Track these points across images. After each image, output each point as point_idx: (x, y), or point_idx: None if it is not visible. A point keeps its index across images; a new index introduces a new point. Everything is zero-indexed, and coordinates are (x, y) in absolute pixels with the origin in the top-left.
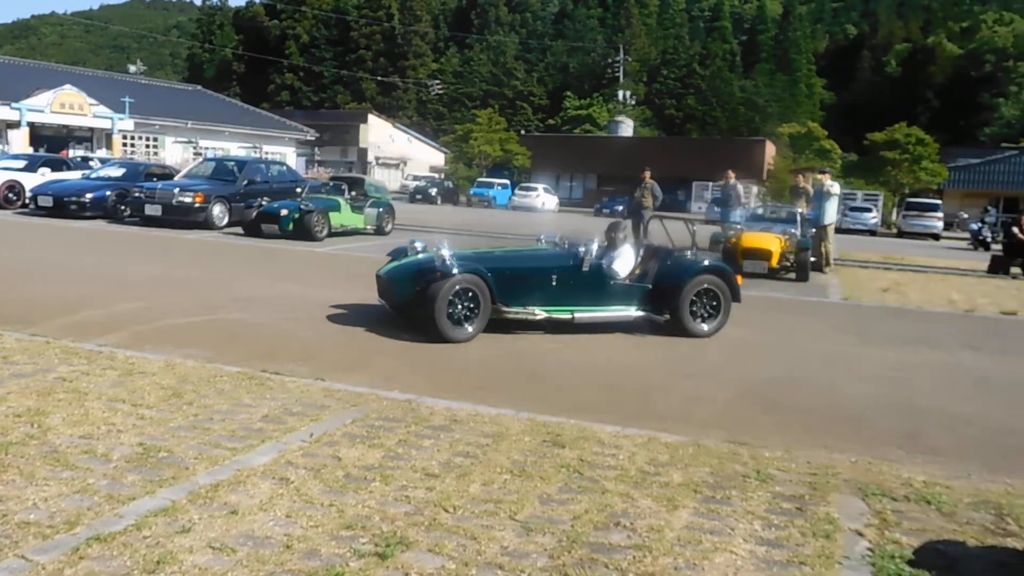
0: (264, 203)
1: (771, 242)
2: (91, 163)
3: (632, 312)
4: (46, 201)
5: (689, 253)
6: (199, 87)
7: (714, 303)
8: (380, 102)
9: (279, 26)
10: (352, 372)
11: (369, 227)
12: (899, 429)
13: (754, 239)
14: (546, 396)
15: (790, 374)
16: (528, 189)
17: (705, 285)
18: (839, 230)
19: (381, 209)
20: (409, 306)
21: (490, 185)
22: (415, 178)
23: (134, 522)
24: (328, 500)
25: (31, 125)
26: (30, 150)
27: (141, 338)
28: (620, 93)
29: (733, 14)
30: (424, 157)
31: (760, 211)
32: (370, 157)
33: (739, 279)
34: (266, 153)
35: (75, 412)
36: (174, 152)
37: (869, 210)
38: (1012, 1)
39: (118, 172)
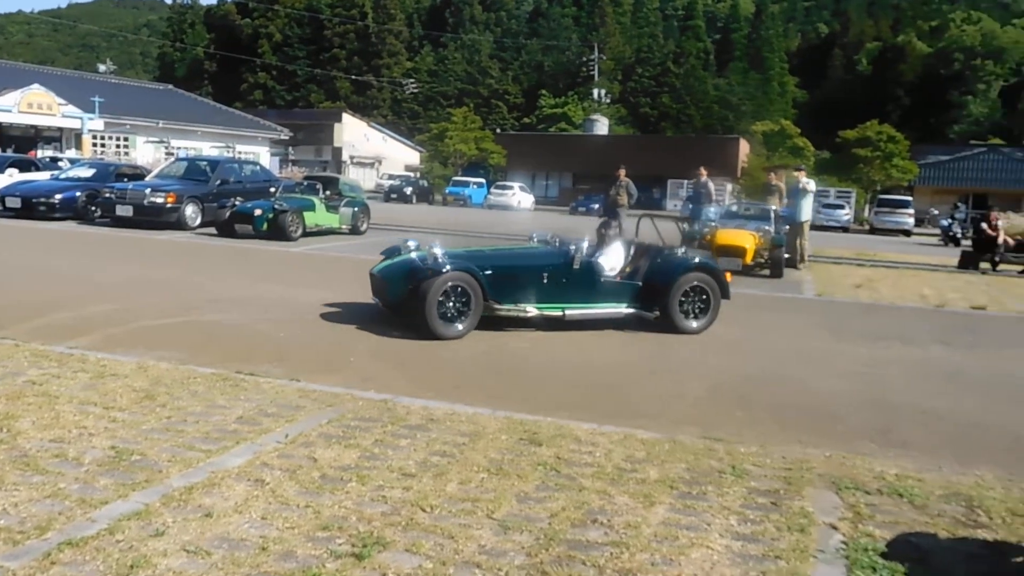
0: (237, 203)
1: (745, 239)
2: (60, 163)
3: (623, 309)
4: (14, 202)
5: (679, 251)
6: (170, 86)
7: (704, 300)
8: (354, 101)
9: (251, 25)
10: (328, 372)
11: (344, 226)
12: (872, 424)
13: (728, 236)
14: (523, 394)
15: (765, 370)
16: (504, 188)
17: (695, 282)
18: (813, 227)
19: (356, 208)
20: (402, 304)
21: (466, 184)
22: (390, 177)
23: (107, 526)
24: (304, 501)
25: None
26: None
27: (113, 340)
28: (595, 91)
29: (706, 13)
30: (399, 156)
31: (734, 208)
32: (345, 156)
33: (728, 276)
34: (239, 153)
35: (45, 416)
36: (145, 152)
37: (842, 207)
38: (980, 0)
39: (88, 172)
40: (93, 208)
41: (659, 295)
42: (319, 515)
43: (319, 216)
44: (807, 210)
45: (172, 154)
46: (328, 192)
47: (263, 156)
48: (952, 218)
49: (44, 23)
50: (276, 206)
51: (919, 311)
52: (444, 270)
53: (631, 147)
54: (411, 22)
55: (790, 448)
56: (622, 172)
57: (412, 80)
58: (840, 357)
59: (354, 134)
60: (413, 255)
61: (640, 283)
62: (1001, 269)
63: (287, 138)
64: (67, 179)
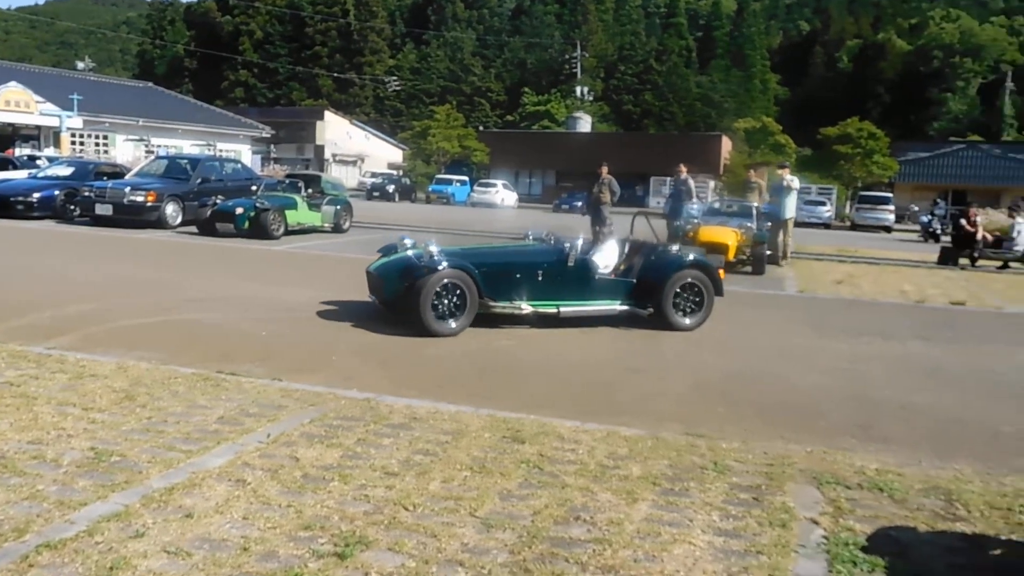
0: (219, 201)
1: (728, 236)
2: (38, 162)
3: (617, 306)
4: None
5: (673, 248)
6: (150, 84)
7: (697, 297)
8: (337, 99)
9: (232, 22)
10: (310, 371)
11: (326, 225)
12: (853, 419)
13: (711, 233)
14: (507, 392)
15: (747, 366)
16: (487, 185)
17: (688, 279)
18: (795, 223)
19: (338, 207)
20: (398, 301)
21: (449, 182)
22: (373, 175)
23: (86, 528)
24: (286, 501)
25: None
26: None
27: (92, 340)
28: (578, 89)
29: (688, 10)
30: (382, 154)
31: (717, 205)
32: (327, 154)
33: (721, 273)
34: (220, 151)
35: (23, 417)
36: (125, 150)
37: (823, 203)
38: None
39: (67, 171)
40: (72, 207)
41: (653, 292)
42: (301, 515)
43: (301, 214)
44: (791, 207)
45: (152, 152)
46: (310, 190)
47: (244, 154)
48: (932, 214)
49: (21, 20)
50: (258, 204)
51: (899, 307)
52: (439, 267)
53: (614, 145)
54: (393, 19)
55: (772, 444)
56: (605, 169)
57: (394, 78)
58: (822, 353)
59: (336, 132)
60: (409, 253)
61: (634, 280)
62: (980, 265)
63: (269, 136)
64: (45, 178)
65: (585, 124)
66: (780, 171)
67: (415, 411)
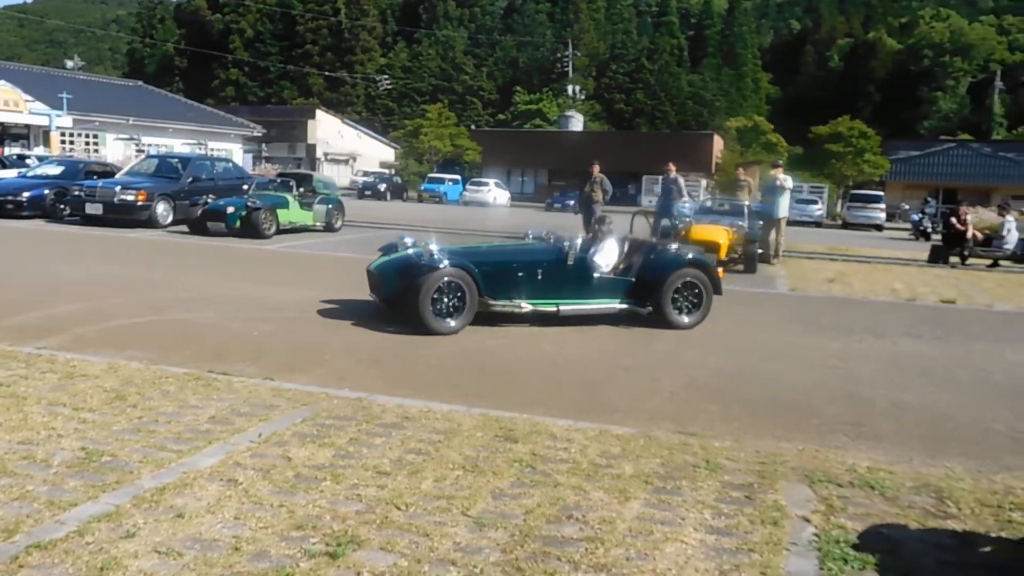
0: (210, 200)
1: (720, 234)
2: (28, 161)
3: (616, 305)
4: None
5: (672, 247)
6: (140, 83)
7: (696, 296)
8: (328, 97)
9: (222, 20)
10: (302, 371)
11: (318, 224)
12: (844, 417)
13: (703, 231)
14: (500, 391)
15: (739, 365)
16: (479, 184)
17: (687, 278)
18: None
19: (330, 205)
20: (398, 300)
21: (441, 180)
22: (364, 174)
23: (76, 528)
24: (277, 501)
25: None
26: None
27: (83, 340)
28: (570, 88)
29: (680, 9)
30: (374, 153)
31: (708, 204)
32: (319, 153)
33: (720, 272)
34: (211, 150)
35: (13, 417)
36: (115, 149)
37: (815, 202)
38: None
39: (56, 170)
40: (62, 206)
41: (652, 291)
42: (293, 514)
43: (293, 213)
44: (784, 206)
45: (143, 151)
46: (302, 189)
47: (236, 153)
48: (922, 213)
49: (9, 18)
50: (249, 203)
51: (890, 305)
52: (440, 266)
53: (606, 143)
54: (384, 18)
55: (764, 442)
56: (596, 168)
57: (386, 76)
58: (813, 351)
59: (328, 131)
60: (409, 251)
61: (633, 279)
62: (970, 263)
63: (260, 135)
64: (35, 177)
65: (577, 123)
66: (773, 171)
67: (407, 410)
